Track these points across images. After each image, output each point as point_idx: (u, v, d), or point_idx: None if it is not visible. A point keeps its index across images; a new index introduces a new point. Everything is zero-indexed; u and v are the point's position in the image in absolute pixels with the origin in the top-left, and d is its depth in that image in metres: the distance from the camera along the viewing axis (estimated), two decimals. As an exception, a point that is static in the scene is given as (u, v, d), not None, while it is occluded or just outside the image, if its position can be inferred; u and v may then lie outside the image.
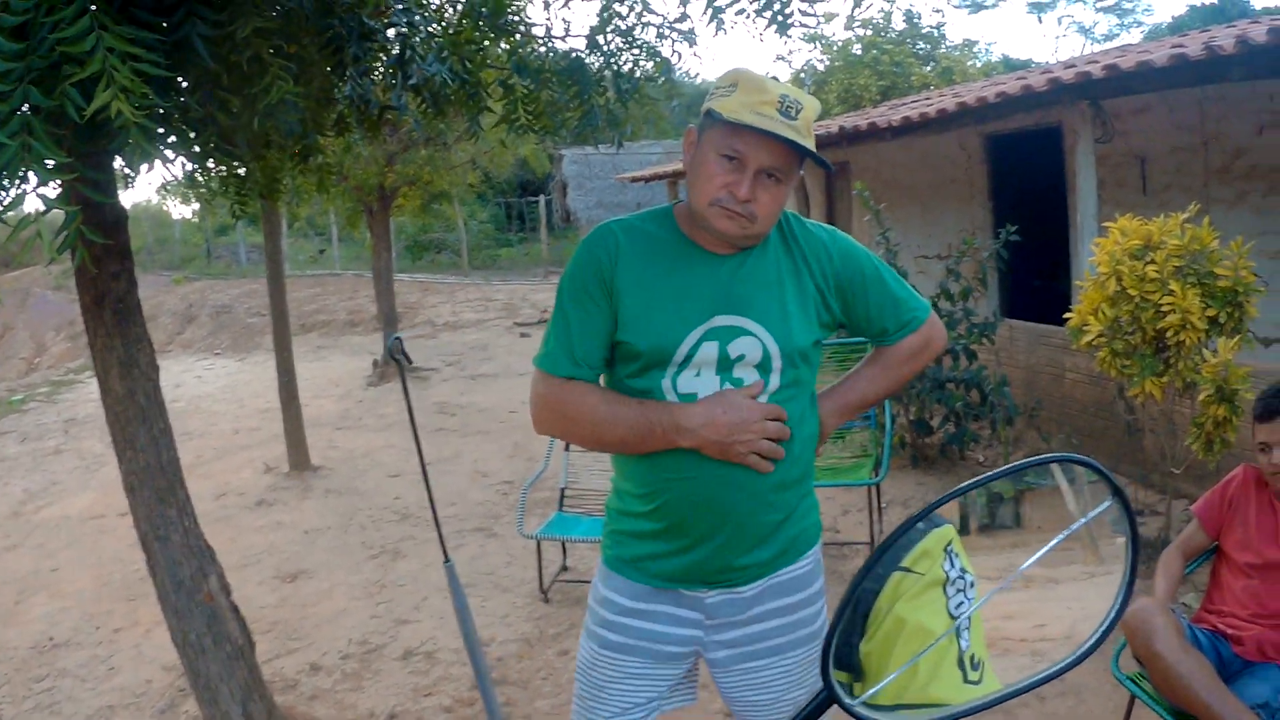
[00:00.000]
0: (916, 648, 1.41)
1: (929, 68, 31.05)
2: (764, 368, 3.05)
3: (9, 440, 15.95)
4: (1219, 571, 4.96)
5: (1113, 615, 1.46)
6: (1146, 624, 4.49)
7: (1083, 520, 1.50)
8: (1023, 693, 1.45)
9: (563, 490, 8.27)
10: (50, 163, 2.78)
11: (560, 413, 3.17)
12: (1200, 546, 5.05)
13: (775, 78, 3.47)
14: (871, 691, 1.37)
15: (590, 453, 8.07)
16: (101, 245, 4.61)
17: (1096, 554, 1.74)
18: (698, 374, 3.03)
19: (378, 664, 7.05)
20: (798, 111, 2.87)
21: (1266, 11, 35.22)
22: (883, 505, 8.96)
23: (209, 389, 19.54)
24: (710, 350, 3.02)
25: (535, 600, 7.95)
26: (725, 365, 3.03)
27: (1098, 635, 1.45)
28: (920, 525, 1.47)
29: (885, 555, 1.45)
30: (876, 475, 8.20)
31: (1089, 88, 9.27)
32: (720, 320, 3.03)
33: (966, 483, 1.44)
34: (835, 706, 1.45)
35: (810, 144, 2.90)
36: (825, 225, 3.30)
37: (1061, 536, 1.51)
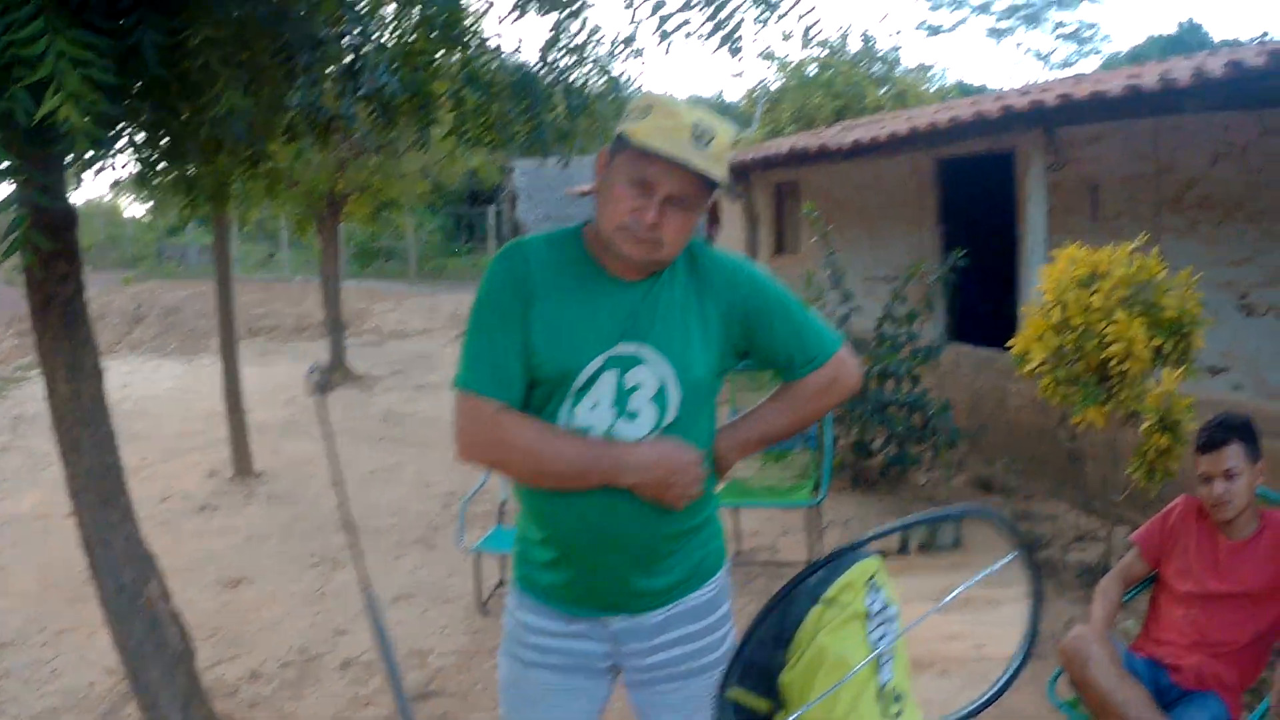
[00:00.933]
0: (837, 679, 1.42)
1: (884, 90, 31.11)
2: (660, 399, 3.04)
3: (-45, 439, 15.77)
4: (1158, 600, 5.01)
5: (1013, 667, 1.48)
6: (1082, 651, 4.53)
7: (983, 572, 1.51)
8: None
9: (502, 504, 8.26)
10: (-1, 165, 2.78)
11: (495, 441, 3.08)
12: (1139, 574, 5.09)
13: (696, 102, 3.47)
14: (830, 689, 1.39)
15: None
16: (50, 248, 4.59)
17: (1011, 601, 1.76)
18: (594, 406, 3.02)
19: (317, 673, 7.05)
20: (710, 139, 2.85)
21: (1225, 43, 35.52)
22: (823, 526, 8.97)
23: (156, 391, 19.41)
24: (609, 380, 3.01)
25: (474, 613, 7.97)
26: (621, 398, 3.02)
27: (997, 688, 1.47)
28: (838, 562, 1.48)
29: (779, 606, 1.46)
30: (816, 496, 8.22)
31: (1042, 115, 9.34)
32: (621, 348, 3.01)
33: (867, 534, 1.45)
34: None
35: (721, 172, 2.89)
36: (735, 256, 3.29)
37: (961, 589, 1.53)
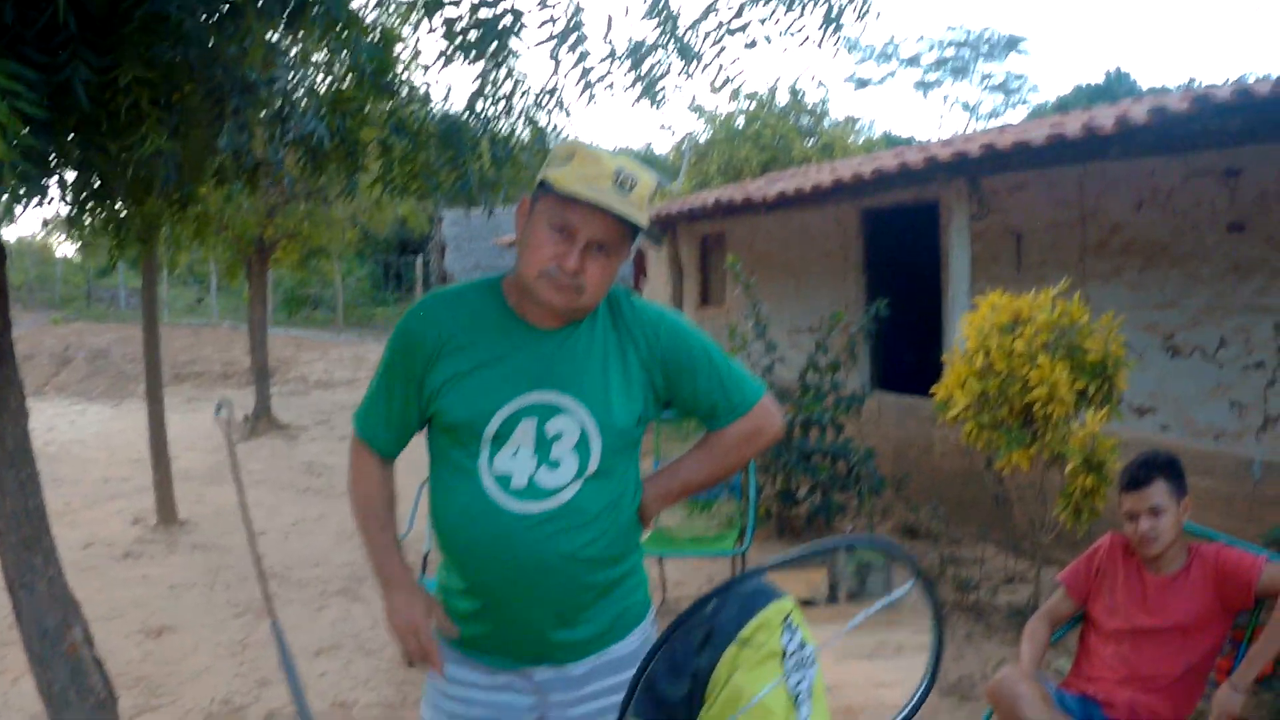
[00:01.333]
0: (755, 718, 1.43)
1: (811, 142, 31.25)
2: (582, 447, 3.04)
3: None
4: (1087, 638, 5.06)
5: (918, 695, 1.49)
6: (1011, 692, 4.57)
7: (881, 602, 1.53)
8: None
9: (425, 555, 8.22)
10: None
11: (356, 485, 3.41)
12: (1066, 614, 5.14)
13: (622, 152, 3.50)
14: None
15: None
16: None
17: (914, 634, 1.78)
18: (515, 453, 3.02)
19: (240, 724, 6.96)
20: (632, 186, 2.87)
21: (1152, 90, 35.88)
22: (747, 575, 8.98)
23: (81, 435, 19.25)
24: (528, 427, 3.02)
25: (398, 665, 7.91)
26: (542, 445, 3.02)
27: (904, 713, 1.48)
28: (747, 597, 1.49)
29: (674, 636, 1.47)
30: (741, 545, 8.24)
31: (965, 165, 9.43)
32: (538, 396, 3.02)
33: (797, 551, 1.46)
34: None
35: (643, 219, 2.91)
36: (657, 305, 3.31)
37: (859, 619, 1.54)
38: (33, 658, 5.10)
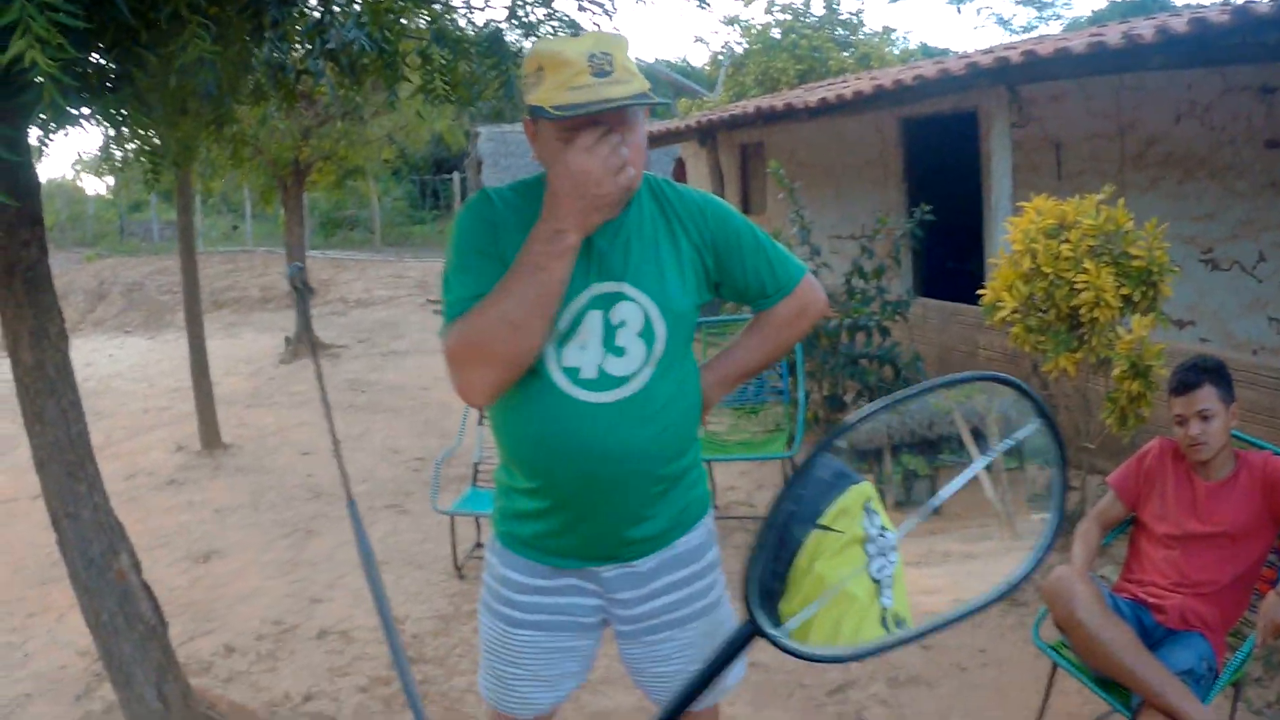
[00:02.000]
0: (838, 606, 1.39)
1: (847, 53, 31.06)
2: (647, 334, 3.02)
3: (-85, 424, 15.59)
4: (1137, 542, 5.02)
5: (1044, 544, 1.45)
6: (1067, 591, 4.52)
7: (1006, 442, 1.48)
8: (939, 630, 1.43)
9: (476, 465, 8.22)
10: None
11: (474, 346, 2.89)
12: (1117, 518, 5.09)
13: (573, 29, 3.40)
14: (793, 623, 1.35)
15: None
16: (14, 212, 4.53)
17: (1016, 525, 1.74)
18: (583, 346, 2.99)
19: (292, 644, 6.99)
20: (609, 63, 2.75)
21: (1187, 6, 35.56)
22: (797, 480, 8.96)
23: (120, 368, 19.24)
24: (594, 320, 2.99)
25: (450, 576, 7.93)
26: (608, 335, 3.00)
27: (1029, 564, 1.44)
28: (827, 452, 1.45)
29: (797, 487, 1.42)
30: (790, 449, 8.20)
31: (1006, 73, 9.32)
32: (598, 288, 2.99)
33: (886, 399, 1.41)
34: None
35: (637, 86, 2.78)
36: (699, 190, 3.27)
37: (984, 460, 1.50)
38: (79, 587, 5.07)
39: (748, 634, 1.31)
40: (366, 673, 6.49)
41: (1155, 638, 4.65)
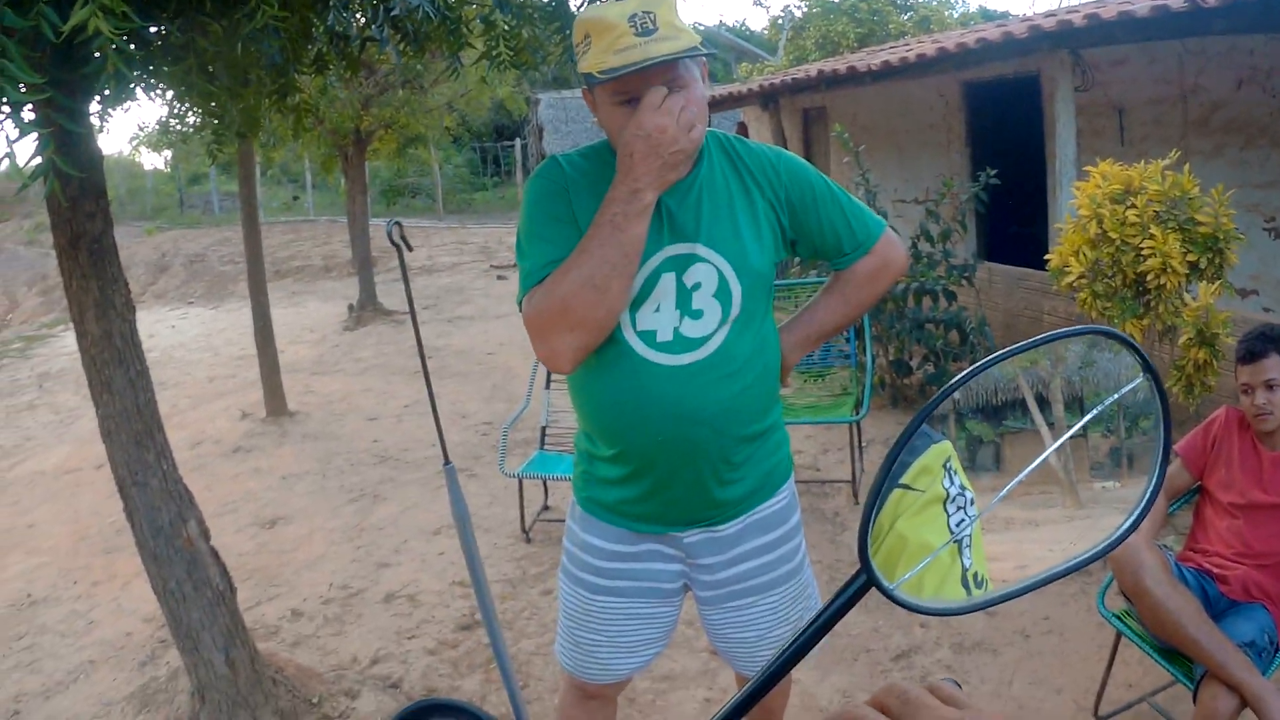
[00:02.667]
0: (923, 563, 1.39)
1: (907, 16, 30.96)
2: (722, 295, 2.99)
3: (-17, 399, 15.78)
4: (1203, 511, 4.96)
5: (1145, 500, 1.43)
6: (1134, 559, 4.48)
7: (1113, 397, 1.47)
8: (1038, 586, 1.41)
9: (543, 429, 8.24)
10: (23, 87, 2.72)
11: (557, 312, 2.87)
12: (1183, 486, 5.04)
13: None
14: (905, 577, 1.35)
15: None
16: (77, 184, 4.54)
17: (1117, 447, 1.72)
18: (657, 309, 2.98)
19: (359, 608, 7.03)
20: (653, 21, 2.74)
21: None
22: (863, 444, 8.95)
23: (183, 338, 19.39)
24: (668, 282, 2.97)
25: (517, 540, 7.94)
26: (683, 296, 2.98)
27: (1130, 522, 1.42)
28: (917, 442, 1.43)
29: (909, 442, 1.41)
30: (857, 414, 8.17)
31: (1069, 36, 9.24)
32: (672, 250, 2.97)
33: (992, 356, 1.40)
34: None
35: (685, 41, 2.76)
36: (770, 145, 3.21)
37: (1089, 417, 1.48)
38: (147, 556, 5.10)
39: (863, 585, 1.30)
40: (434, 635, 6.52)
41: (1218, 608, 4.60)
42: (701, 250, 2.97)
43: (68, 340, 19.24)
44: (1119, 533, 1.42)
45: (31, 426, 13.68)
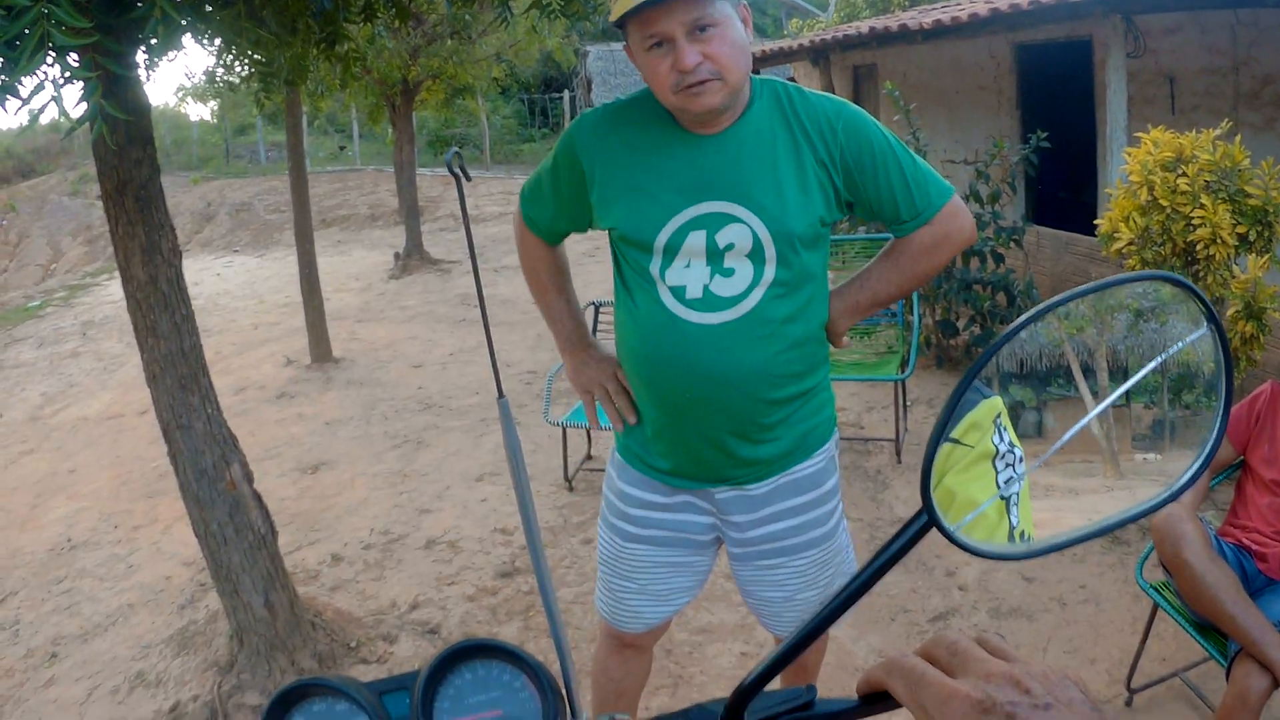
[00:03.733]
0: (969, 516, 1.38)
1: (960, -27, 30.75)
2: (756, 256, 2.93)
3: (26, 346, 15.93)
4: (1244, 486, 4.91)
5: (1210, 446, 1.42)
6: (1175, 530, 4.45)
7: (1178, 345, 1.45)
8: (1107, 531, 1.40)
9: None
10: (72, 31, 2.72)
11: (520, 253, 3.46)
12: (1225, 460, 4.99)
13: None
14: (965, 520, 1.34)
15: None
16: (124, 131, 4.55)
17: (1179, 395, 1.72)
18: (688, 265, 2.94)
19: (400, 554, 7.08)
20: None
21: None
22: (908, 403, 8.93)
23: (228, 286, 19.49)
24: (698, 240, 2.92)
25: (560, 488, 7.96)
26: (715, 255, 2.93)
27: (1200, 462, 1.41)
28: (969, 396, 1.42)
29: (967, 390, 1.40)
30: (903, 372, 8.13)
31: (1122, 2, 9.16)
32: (706, 207, 2.91)
33: (1056, 298, 1.38)
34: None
35: None
36: (832, 96, 3.08)
37: (1155, 363, 1.47)
38: (189, 499, 5.14)
39: (924, 525, 1.30)
40: (473, 582, 6.56)
41: (1256, 586, 4.56)
42: (736, 210, 2.90)
43: (112, 289, 19.41)
44: (1181, 482, 1.40)
45: (75, 373, 13.78)
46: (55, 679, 5.94)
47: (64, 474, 9.62)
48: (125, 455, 9.81)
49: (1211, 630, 4.41)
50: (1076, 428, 1.40)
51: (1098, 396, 1.67)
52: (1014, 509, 1.44)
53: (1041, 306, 1.37)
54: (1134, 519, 1.41)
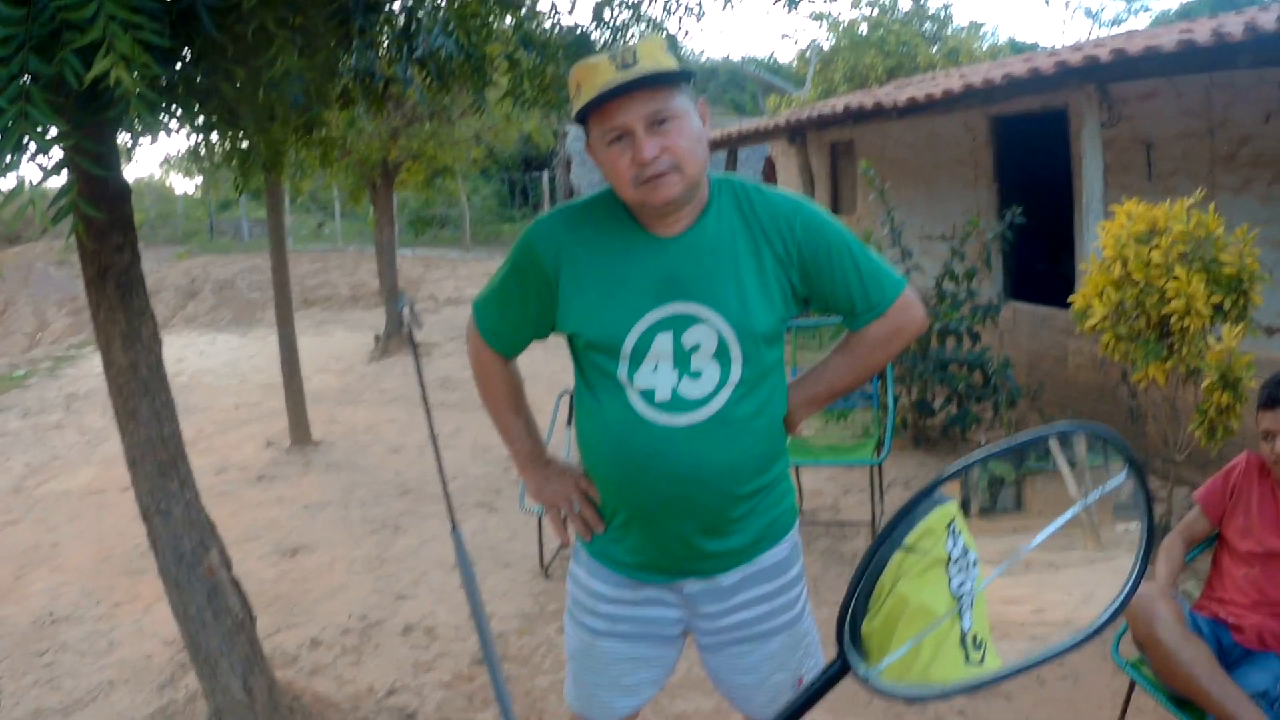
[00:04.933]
0: (919, 628, 1.40)
1: (935, 49, 30.96)
2: (722, 356, 2.96)
3: (11, 416, 15.90)
4: (1220, 559, 4.93)
5: (1123, 596, 1.45)
6: (1148, 610, 4.47)
7: (1095, 494, 1.48)
8: (1022, 673, 1.43)
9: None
10: (48, 132, 2.75)
11: (475, 369, 3.44)
12: (1202, 533, 5.01)
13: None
14: (881, 665, 1.36)
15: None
16: (105, 219, 4.59)
17: (1100, 535, 1.73)
18: (655, 368, 2.96)
19: (378, 639, 7.05)
20: (633, 55, 2.79)
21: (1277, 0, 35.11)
22: (884, 486, 8.94)
23: (211, 364, 19.49)
24: (665, 342, 2.95)
25: (536, 576, 7.95)
26: (681, 358, 2.95)
27: (1106, 616, 1.44)
28: (923, 502, 1.45)
29: (895, 531, 1.43)
30: (879, 455, 8.15)
31: (1096, 71, 9.25)
32: (671, 309, 2.94)
33: (976, 453, 1.41)
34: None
35: (663, 64, 2.80)
36: (790, 194, 3.14)
37: (1072, 512, 1.50)
38: (169, 582, 5.14)
39: (838, 671, 1.32)
40: (450, 669, 6.54)
41: (1232, 657, 4.57)
42: (701, 311, 2.93)
43: (96, 361, 19.22)
44: (1084, 633, 1.43)
45: (58, 446, 13.76)
46: (36, 755, 5.93)
47: (47, 547, 9.59)
48: (108, 531, 9.77)
49: (1190, 704, 4.42)
50: (1005, 566, 1.43)
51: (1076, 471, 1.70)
52: (967, 613, 1.46)
53: (958, 466, 1.40)
54: (1045, 661, 1.44)
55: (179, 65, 3.90)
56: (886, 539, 1.41)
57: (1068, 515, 1.51)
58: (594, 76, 2.79)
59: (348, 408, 14.71)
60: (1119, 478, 1.46)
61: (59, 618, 7.83)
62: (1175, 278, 6.72)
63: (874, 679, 1.34)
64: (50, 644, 7.35)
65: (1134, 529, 1.49)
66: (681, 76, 2.84)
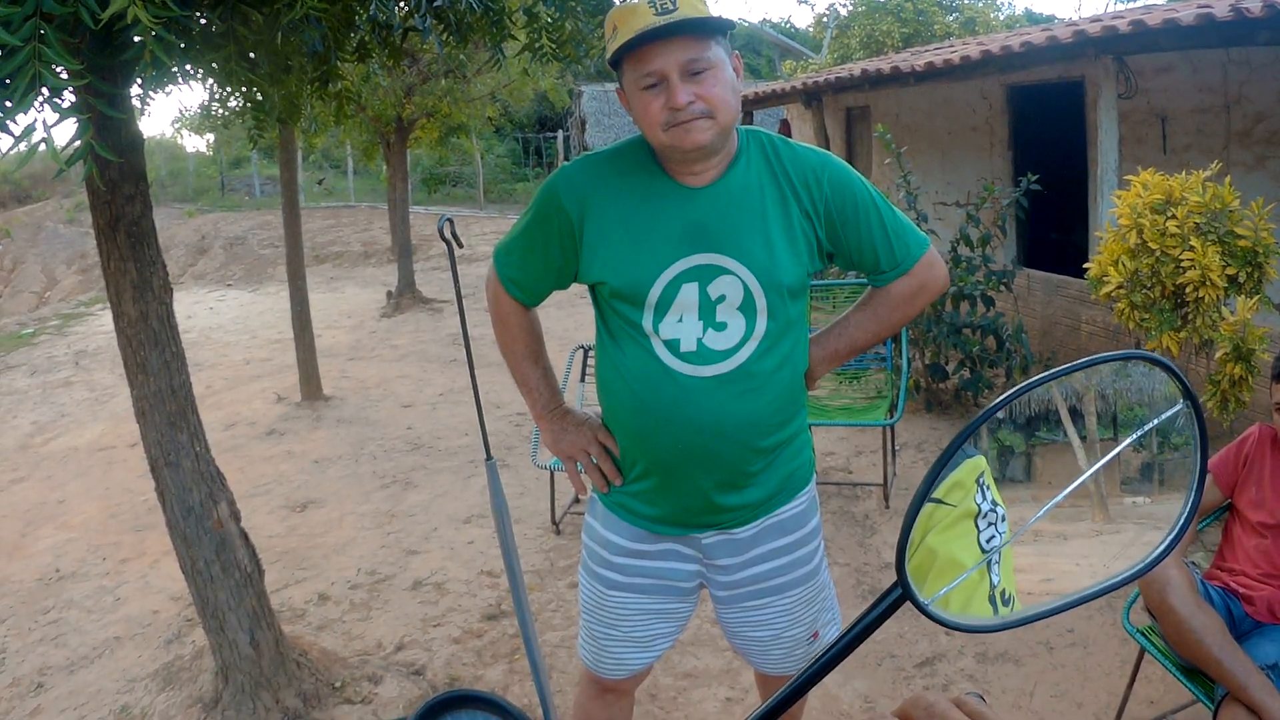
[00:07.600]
0: (948, 581, 1.37)
1: (952, 17, 30.86)
2: (747, 309, 2.96)
3: (19, 373, 15.92)
4: (1231, 529, 4.90)
5: (1182, 521, 1.42)
6: (1161, 576, 4.44)
7: (1153, 422, 1.46)
8: (1080, 604, 1.40)
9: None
10: (62, 72, 2.73)
11: (494, 317, 3.41)
12: (1213, 503, 4.98)
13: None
14: (938, 594, 1.34)
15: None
16: (117, 168, 4.56)
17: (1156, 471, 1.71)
18: (680, 318, 2.96)
19: (386, 594, 7.05)
20: (674, 1, 2.76)
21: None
22: (896, 447, 8.93)
23: (221, 320, 19.48)
24: (691, 293, 2.94)
25: (547, 531, 7.94)
26: (707, 309, 2.95)
27: (1170, 539, 1.41)
28: (977, 427, 1.43)
29: (959, 447, 1.40)
30: (891, 417, 8.13)
31: (1113, 42, 9.19)
32: (697, 259, 2.94)
33: (1033, 379, 1.39)
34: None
35: (701, 10, 2.79)
36: (817, 149, 3.13)
37: (1130, 440, 1.47)
38: (177, 535, 5.13)
39: (898, 598, 1.30)
40: (459, 624, 6.54)
41: (1243, 629, 4.55)
42: (728, 262, 2.93)
43: (105, 319, 19.36)
44: (1153, 555, 1.41)
45: (66, 403, 13.76)
46: (41, 709, 5.92)
47: (53, 504, 9.60)
48: (115, 487, 9.79)
49: (1199, 674, 4.40)
50: (1057, 500, 1.40)
51: (1085, 442, 1.68)
52: (995, 568, 1.44)
53: (1021, 386, 1.38)
54: (1103, 593, 1.41)
55: (196, 9, 3.86)
56: (945, 462, 1.39)
57: (1120, 447, 1.48)
58: (632, 20, 2.77)
59: (359, 363, 14.71)
60: (1175, 408, 1.43)
61: (65, 574, 7.84)
62: (1191, 248, 6.69)
63: (932, 608, 1.32)
64: (56, 601, 7.36)
65: (1189, 461, 1.47)
66: (721, 26, 2.83)
